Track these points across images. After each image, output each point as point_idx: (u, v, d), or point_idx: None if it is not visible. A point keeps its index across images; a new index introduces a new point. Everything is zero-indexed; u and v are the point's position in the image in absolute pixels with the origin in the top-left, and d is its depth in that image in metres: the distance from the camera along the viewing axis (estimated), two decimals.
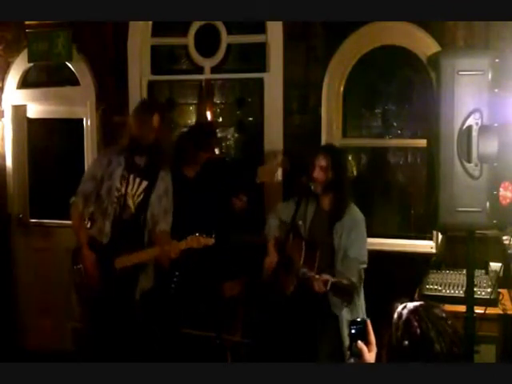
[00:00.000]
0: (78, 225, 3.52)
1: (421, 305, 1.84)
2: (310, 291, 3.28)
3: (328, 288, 3.19)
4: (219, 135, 4.64)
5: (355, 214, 3.50)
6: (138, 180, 3.46)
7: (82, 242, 3.45)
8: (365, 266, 3.42)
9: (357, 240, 3.43)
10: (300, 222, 3.49)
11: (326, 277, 3.22)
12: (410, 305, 1.84)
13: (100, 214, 3.47)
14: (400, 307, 1.85)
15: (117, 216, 3.43)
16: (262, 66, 4.46)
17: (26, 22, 4.76)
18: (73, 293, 3.54)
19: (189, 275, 3.67)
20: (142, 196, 3.46)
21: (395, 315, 1.83)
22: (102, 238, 3.44)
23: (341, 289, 3.25)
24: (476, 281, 3.13)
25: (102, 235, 3.44)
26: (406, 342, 1.76)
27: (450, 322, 1.79)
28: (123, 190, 3.43)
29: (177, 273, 3.61)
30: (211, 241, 3.37)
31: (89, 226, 3.62)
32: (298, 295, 3.42)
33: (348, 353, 1.94)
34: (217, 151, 4.01)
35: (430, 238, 4.16)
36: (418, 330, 1.76)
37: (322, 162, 3.45)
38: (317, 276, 3.24)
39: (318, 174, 3.44)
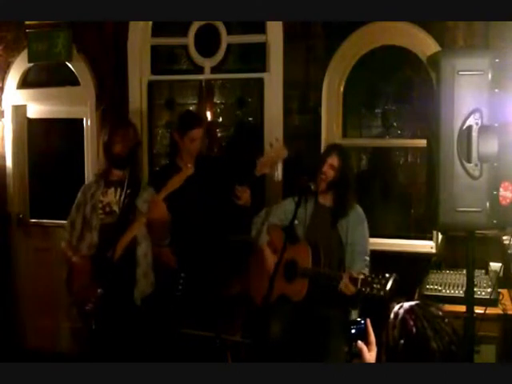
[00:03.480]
0: (68, 256, 3.54)
1: (417, 304, 1.85)
2: (326, 293, 3.29)
3: (359, 286, 3.11)
4: (219, 135, 4.65)
5: (359, 210, 3.57)
6: (119, 189, 3.52)
7: (75, 270, 3.47)
8: (368, 257, 3.48)
9: (362, 236, 3.52)
10: (296, 222, 3.44)
11: (352, 274, 3.18)
12: (406, 304, 1.85)
13: (87, 231, 3.52)
14: (396, 307, 1.85)
15: (105, 223, 3.49)
16: (262, 66, 4.46)
17: (26, 22, 4.76)
18: (73, 308, 3.55)
19: (194, 276, 3.67)
20: (126, 200, 3.47)
21: (392, 315, 1.84)
22: (91, 251, 3.47)
23: (369, 283, 3.09)
24: (476, 281, 3.13)
25: (91, 248, 3.48)
26: (402, 341, 1.77)
27: (446, 321, 1.79)
28: (107, 199, 3.52)
29: (182, 274, 3.61)
30: (191, 169, 3.41)
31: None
32: (311, 300, 3.41)
33: (348, 353, 1.94)
34: (198, 143, 3.92)
35: (430, 238, 4.16)
36: (414, 329, 1.76)
37: (334, 160, 3.51)
38: (344, 275, 3.19)
39: (327, 170, 3.49)
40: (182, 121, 3.95)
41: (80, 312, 3.45)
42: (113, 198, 3.52)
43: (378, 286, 3.02)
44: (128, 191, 3.46)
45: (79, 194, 3.65)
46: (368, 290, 3.06)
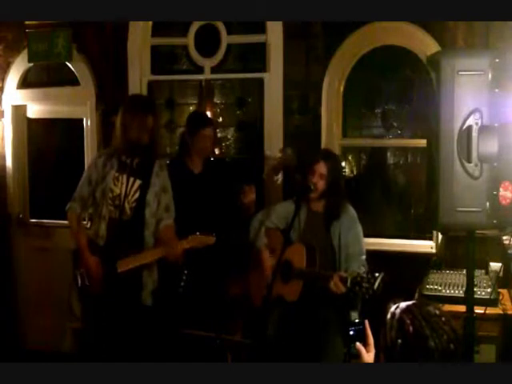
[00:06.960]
0: (76, 230, 3.50)
1: (414, 303, 1.85)
2: (321, 294, 3.28)
3: (348, 285, 3.11)
4: (219, 135, 4.65)
5: (350, 211, 3.54)
6: (131, 179, 3.42)
7: (81, 247, 3.43)
8: (365, 256, 3.46)
9: (356, 237, 3.49)
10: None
11: (341, 274, 3.20)
12: (403, 304, 1.85)
13: (96, 217, 3.47)
14: (393, 307, 1.85)
15: (113, 217, 3.41)
16: (262, 66, 4.46)
17: (26, 22, 4.76)
18: (74, 296, 3.52)
19: (197, 274, 3.67)
20: (137, 195, 3.43)
21: (388, 315, 1.84)
22: (98, 241, 3.43)
23: (358, 282, 3.09)
24: (476, 281, 3.12)
25: (98, 237, 3.43)
26: (400, 341, 1.77)
27: (444, 319, 1.79)
28: (117, 191, 3.41)
29: (185, 271, 3.61)
30: (212, 239, 3.37)
31: (89, 226, 3.61)
32: (306, 301, 3.41)
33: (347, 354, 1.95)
34: (210, 142, 3.93)
35: (430, 238, 4.16)
36: (411, 328, 1.76)
37: (322, 169, 3.46)
38: (334, 274, 3.19)
39: (317, 180, 3.46)
40: (192, 121, 3.96)
41: (84, 298, 3.43)
42: (124, 190, 3.39)
43: (367, 285, 3.04)
44: (139, 183, 3.42)
45: (91, 168, 3.52)
46: (357, 288, 3.07)
